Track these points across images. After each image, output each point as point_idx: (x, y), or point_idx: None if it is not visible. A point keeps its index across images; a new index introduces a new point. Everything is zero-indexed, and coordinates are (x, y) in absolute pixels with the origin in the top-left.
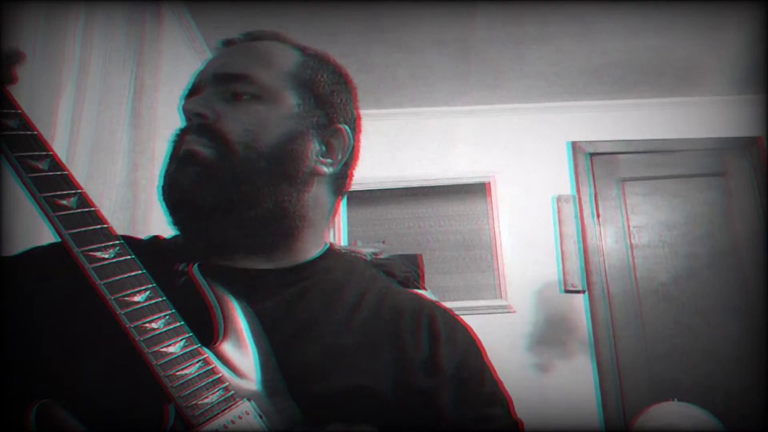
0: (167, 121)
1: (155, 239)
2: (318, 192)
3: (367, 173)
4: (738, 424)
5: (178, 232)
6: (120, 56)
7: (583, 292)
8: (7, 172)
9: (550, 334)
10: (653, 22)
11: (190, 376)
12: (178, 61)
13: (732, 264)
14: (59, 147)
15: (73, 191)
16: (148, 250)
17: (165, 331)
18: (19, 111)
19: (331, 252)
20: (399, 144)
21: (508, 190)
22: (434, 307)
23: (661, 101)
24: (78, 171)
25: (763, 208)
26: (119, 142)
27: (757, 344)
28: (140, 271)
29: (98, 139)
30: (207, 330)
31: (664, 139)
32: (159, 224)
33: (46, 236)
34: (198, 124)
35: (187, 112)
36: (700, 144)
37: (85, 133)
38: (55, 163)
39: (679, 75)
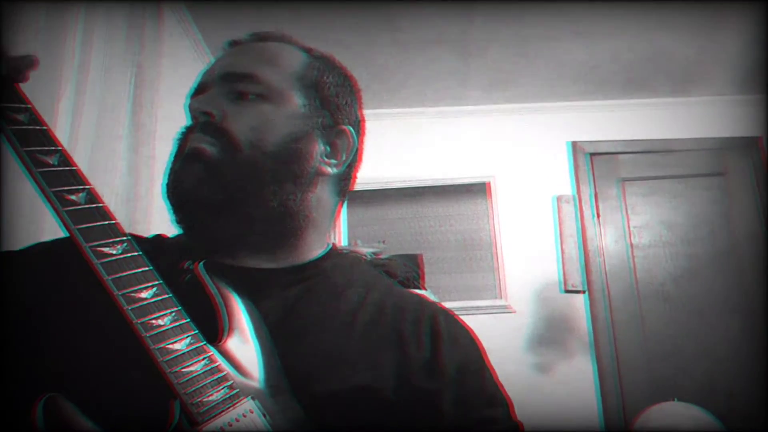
0: (167, 121)
1: (158, 238)
2: (322, 192)
3: (367, 173)
4: (738, 424)
5: (181, 231)
6: (120, 57)
7: (583, 292)
8: (8, 167)
9: (550, 334)
10: (653, 22)
11: (196, 374)
12: (179, 61)
13: (732, 264)
14: None
15: (82, 187)
16: (151, 248)
17: (171, 328)
18: (29, 105)
19: (333, 252)
20: (399, 144)
21: (509, 190)
22: (436, 308)
23: (661, 101)
24: None
25: (763, 207)
26: (119, 142)
27: (758, 344)
28: (147, 268)
29: (98, 140)
30: (211, 327)
31: (664, 139)
32: (159, 225)
33: (48, 232)
34: (204, 123)
35: (193, 110)
36: (700, 144)
37: (85, 134)
38: (65, 159)
39: (680, 75)
